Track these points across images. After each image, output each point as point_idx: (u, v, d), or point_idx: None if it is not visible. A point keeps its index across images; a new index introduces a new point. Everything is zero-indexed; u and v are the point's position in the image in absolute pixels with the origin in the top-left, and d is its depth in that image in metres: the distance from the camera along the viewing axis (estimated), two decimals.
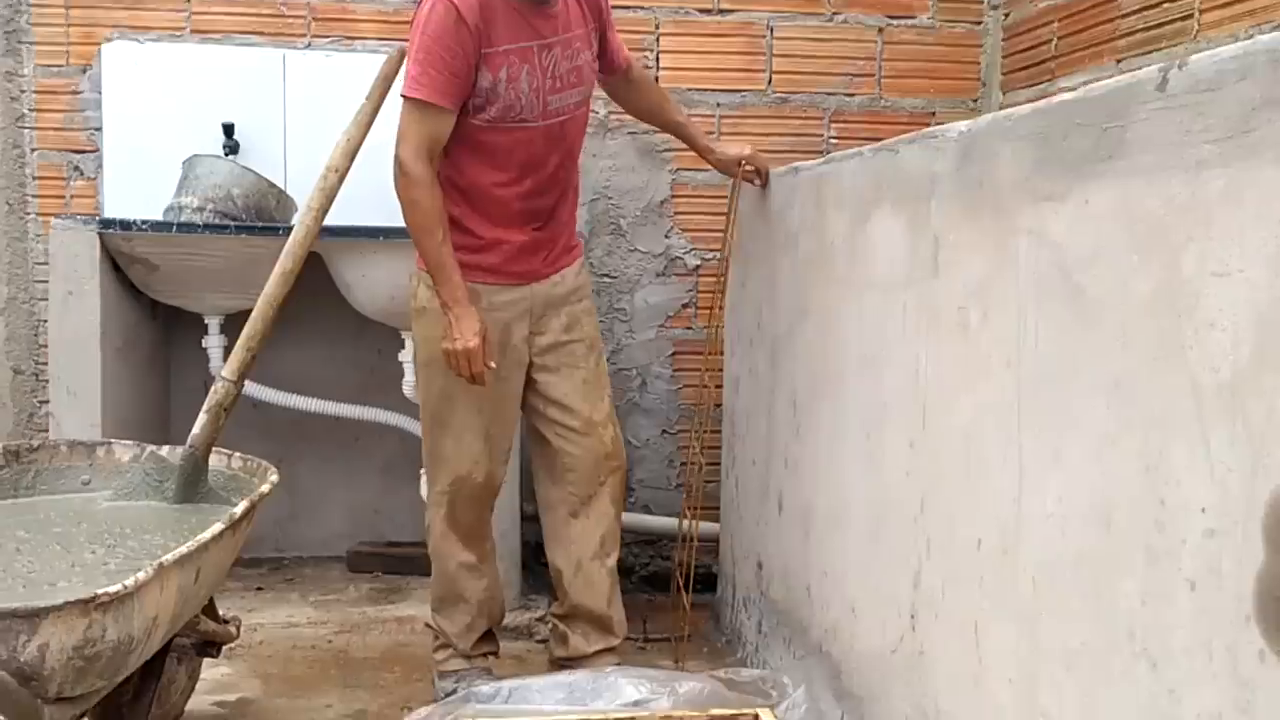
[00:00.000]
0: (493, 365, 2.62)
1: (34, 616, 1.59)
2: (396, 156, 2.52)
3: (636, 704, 2.67)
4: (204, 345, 3.46)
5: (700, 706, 2.61)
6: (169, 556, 1.77)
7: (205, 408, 2.29)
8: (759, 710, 2.56)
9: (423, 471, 3.59)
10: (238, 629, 2.58)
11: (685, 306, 3.86)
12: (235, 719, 2.69)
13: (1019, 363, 1.74)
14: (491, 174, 2.63)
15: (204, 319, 3.45)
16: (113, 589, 1.63)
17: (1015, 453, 1.74)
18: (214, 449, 2.37)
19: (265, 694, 2.84)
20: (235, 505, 2.05)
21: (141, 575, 1.69)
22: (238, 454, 2.45)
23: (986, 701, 1.82)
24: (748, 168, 3.00)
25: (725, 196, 3.19)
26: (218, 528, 1.93)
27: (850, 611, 2.44)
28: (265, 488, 2.17)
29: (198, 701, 2.72)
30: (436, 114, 2.50)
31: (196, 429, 2.29)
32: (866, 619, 2.35)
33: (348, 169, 2.32)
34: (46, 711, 1.67)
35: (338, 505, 3.91)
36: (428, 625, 2.93)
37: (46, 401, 3.47)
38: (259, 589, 3.58)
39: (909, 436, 2.13)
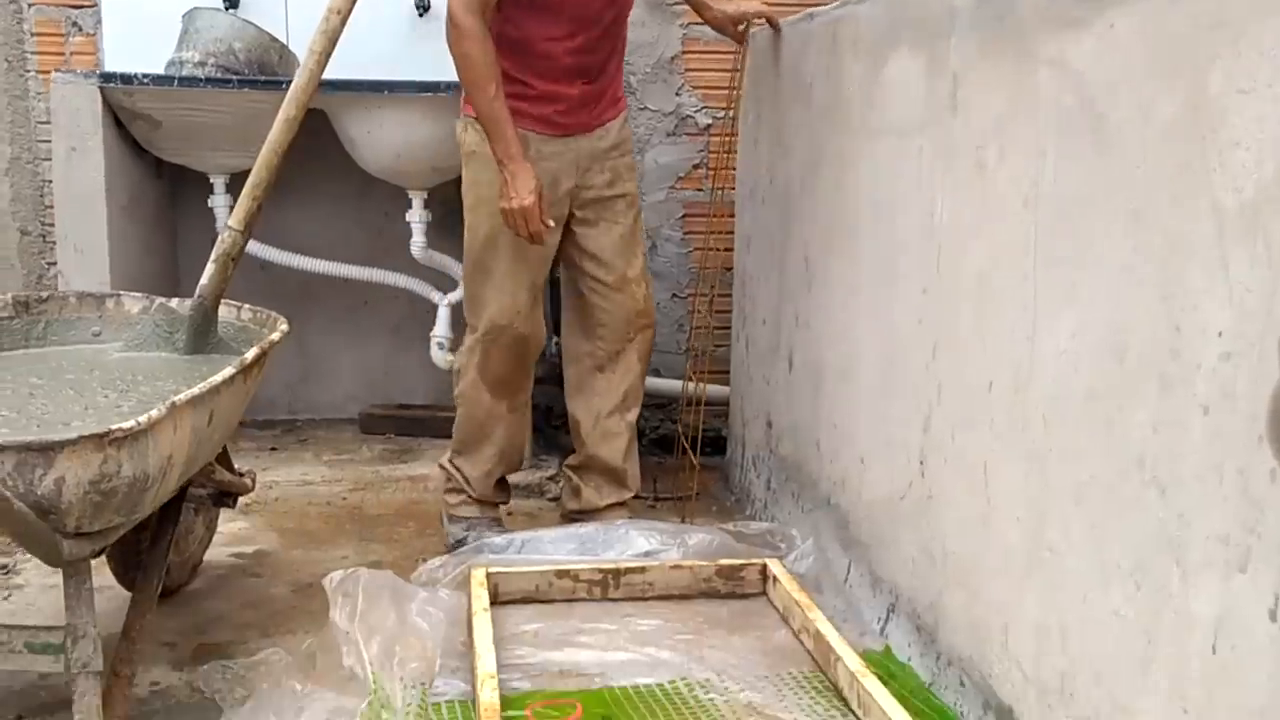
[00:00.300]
0: (550, 224, 2.61)
1: (49, 450, 1.60)
2: (449, 9, 2.47)
3: (647, 554, 2.71)
4: (210, 205, 3.43)
5: (709, 557, 2.65)
6: (182, 396, 1.77)
7: (213, 257, 2.27)
8: (767, 561, 2.60)
9: (433, 334, 3.60)
10: (253, 481, 2.61)
11: (696, 167, 3.80)
12: (253, 569, 2.74)
13: (1036, 200, 1.71)
14: (545, 29, 2.58)
15: (209, 178, 3.41)
16: (127, 425, 1.64)
17: (1030, 292, 1.72)
18: (223, 301, 2.36)
19: (282, 546, 2.89)
20: (246, 354, 2.05)
21: (155, 413, 1.70)
22: (247, 305, 2.44)
23: (994, 540, 1.84)
24: (746, 26, 2.94)
25: (738, 53, 3.11)
26: (229, 371, 1.93)
27: (859, 462, 2.45)
28: (275, 335, 2.17)
29: (216, 553, 2.77)
30: None
31: (205, 279, 2.28)
32: (875, 468, 2.37)
33: (350, 9, 2.25)
34: (65, 545, 1.69)
35: (348, 368, 3.92)
36: (442, 466, 2.95)
37: (54, 263, 3.46)
38: (273, 449, 3.62)
39: (922, 283, 2.11)
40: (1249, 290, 1.25)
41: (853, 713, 2.02)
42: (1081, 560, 1.58)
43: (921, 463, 2.13)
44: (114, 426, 1.63)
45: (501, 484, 2.96)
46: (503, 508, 3.01)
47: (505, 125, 2.52)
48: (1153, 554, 1.41)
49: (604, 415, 2.90)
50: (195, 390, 1.81)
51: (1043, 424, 1.69)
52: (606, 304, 2.83)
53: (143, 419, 1.66)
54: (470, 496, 2.90)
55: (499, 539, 2.70)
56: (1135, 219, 1.46)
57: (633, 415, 2.95)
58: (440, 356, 3.61)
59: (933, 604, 2.08)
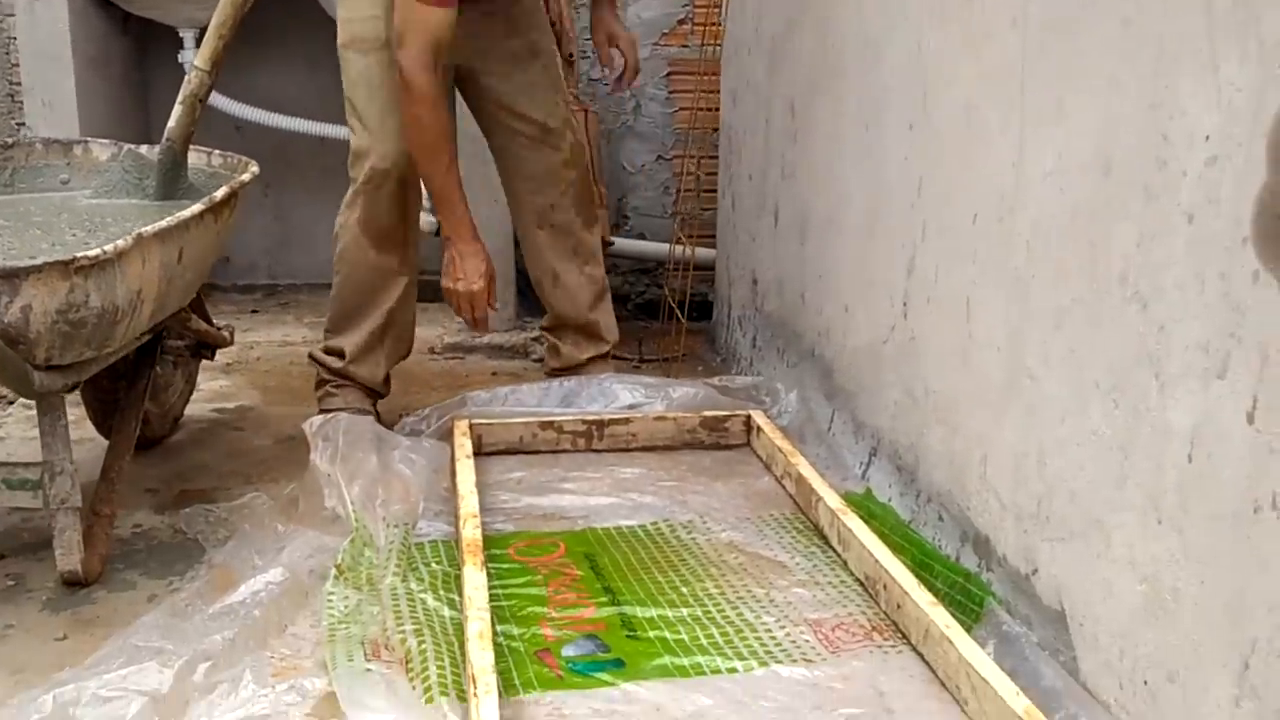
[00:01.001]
0: (497, 307, 2.49)
1: (14, 277, 1.57)
2: (399, 65, 2.29)
3: (631, 407, 2.71)
4: (180, 61, 3.34)
5: (693, 409, 2.65)
6: (149, 228, 1.74)
7: (179, 99, 2.21)
8: (751, 412, 2.60)
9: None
10: (231, 335, 2.59)
11: (681, 22, 3.70)
12: (235, 423, 2.73)
13: (1025, 19, 1.65)
14: None
15: (179, 33, 3.31)
16: (92, 252, 1.61)
17: (1017, 116, 1.68)
18: (193, 147, 2.31)
19: (264, 402, 2.89)
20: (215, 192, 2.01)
21: (121, 243, 1.66)
22: (217, 151, 2.39)
23: (974, 374, 1.83)
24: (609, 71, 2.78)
25: None
26: (198, 207, 1.90)
27: (843, 311, 2.44)
28: (246, 176, 2.13)
29: (197, 408, 2.76)
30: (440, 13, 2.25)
31: (172, 122, 2.22)
32: (859, 315, 2.35)
33: None
34: (36, 376, 1.68)
35: (327, 232, 3.85)
36: (311, 356, 2.69)
37: (23, 124, 3.38)
38: (254, 312, 3.59)
39: (909, 119, 2.06)
40: (1238, 90, 1.21)
41: (832, 549, 2.03)
42: (1060, 384, 1.57)
43: (905, 304, 2.11)
44: (79, 254, 1.60)
45: (385, 380, 2.71)
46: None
47: (457, 201, 2.41)
48: (1131, 370, 1.40)
49: (560, 271, 2.81)
50: (163, 223, 1.78)
51: (1026, 251, 1.66)
52: (530, 155, 2.67)
53: (108, 248, 1.63)
54: (351, 382, 2.62)
55: (483, 393, 2.69)
56: (1125, 27, 1.41)
57: (592, 268, 2.85)
58: (425, 220, 3.56)
59: (913, 444, 2.08)
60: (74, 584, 1.85)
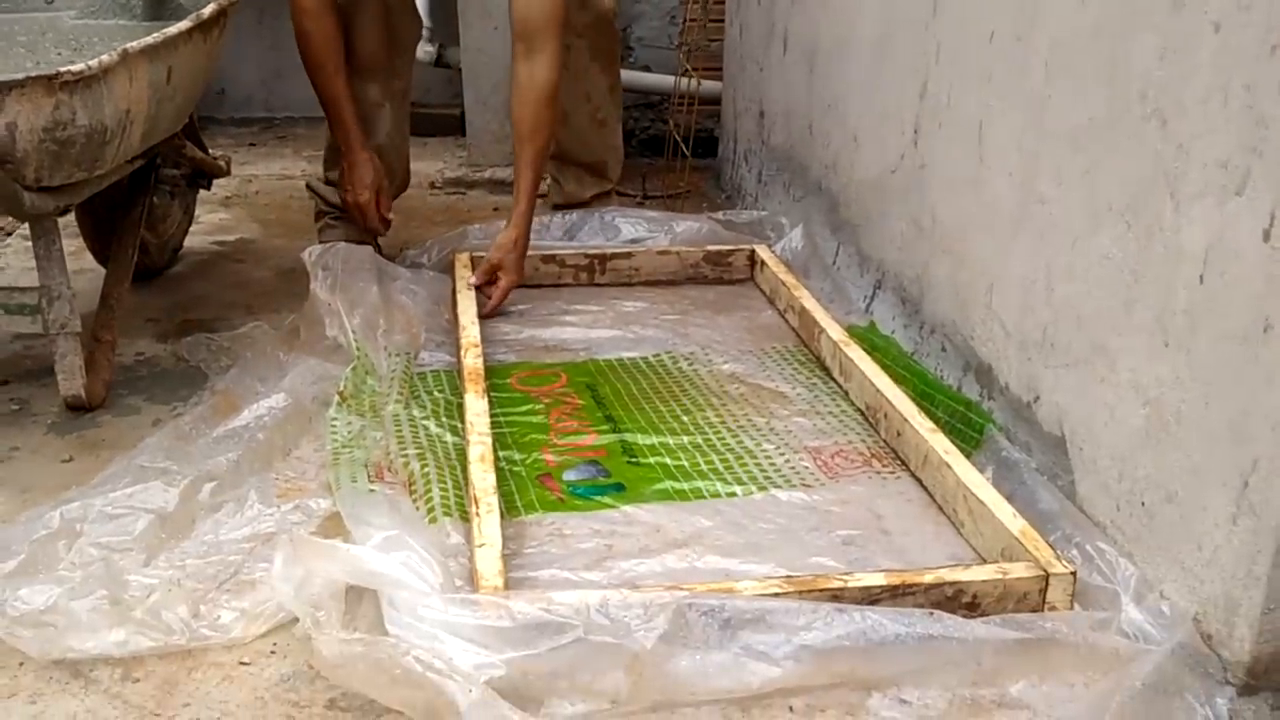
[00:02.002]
0: (391, 217, 2.49)
1: None
2: None
3: (633, 241, 2.68)
4: None
5: (697, 244, 2.62)
6: (135, 44, 1.68)
7: None
8: (755, 246, 2.57)
9: None
10: (227, 165, 2.55)
11: None
12: (236, 255, 2.71)
13: None
14: None
15: None
16: (76, 68, 1.56)
17: None
18: None
19: (264, 235, 2.85)
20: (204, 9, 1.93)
21: (106, 58, 1.61)
22: None
23: (985, 200, 1.79)
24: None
25: None
26: (185, 24, 1.83)
27: (852, 141, 2.38)
28: None
29: (197, 241, 2.73)
30: None
31: None
32: (868, 145, 2.29)
33: None
34: (26, 197, 1.64)
35: None
36: (309, 188, 2.65)
37: None
38: (252, 145, 3.53)
39: None
40: None
41: (834, 380, 2.03)
42: (1072, 207, 1.53)
43: (915, 132, 2.05)
44: (63, 69, 1.54)
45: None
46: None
47: (344, 110, 2.35)
48: (1147, 190, 1.36)
49: (568, 111, 2.69)
50: (149, 40, 1.71)
51: (1044, 70, 1.60)
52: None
53: (93, 63, 1.58)
54: (349, 215, 2.52)
55: (484, 227, 2.65)
56: None
57: (594, 106, 2.78)
58: (424, 50, 3.46)
59: (918, 276, 2.06)
60: (78, 408, 1.86)
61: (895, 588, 1.32)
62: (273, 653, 1.31)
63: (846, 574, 1.34)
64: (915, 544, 1.54)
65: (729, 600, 1.24)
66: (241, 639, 1.32)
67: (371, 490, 1.56)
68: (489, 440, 1.66)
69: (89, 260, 2.43)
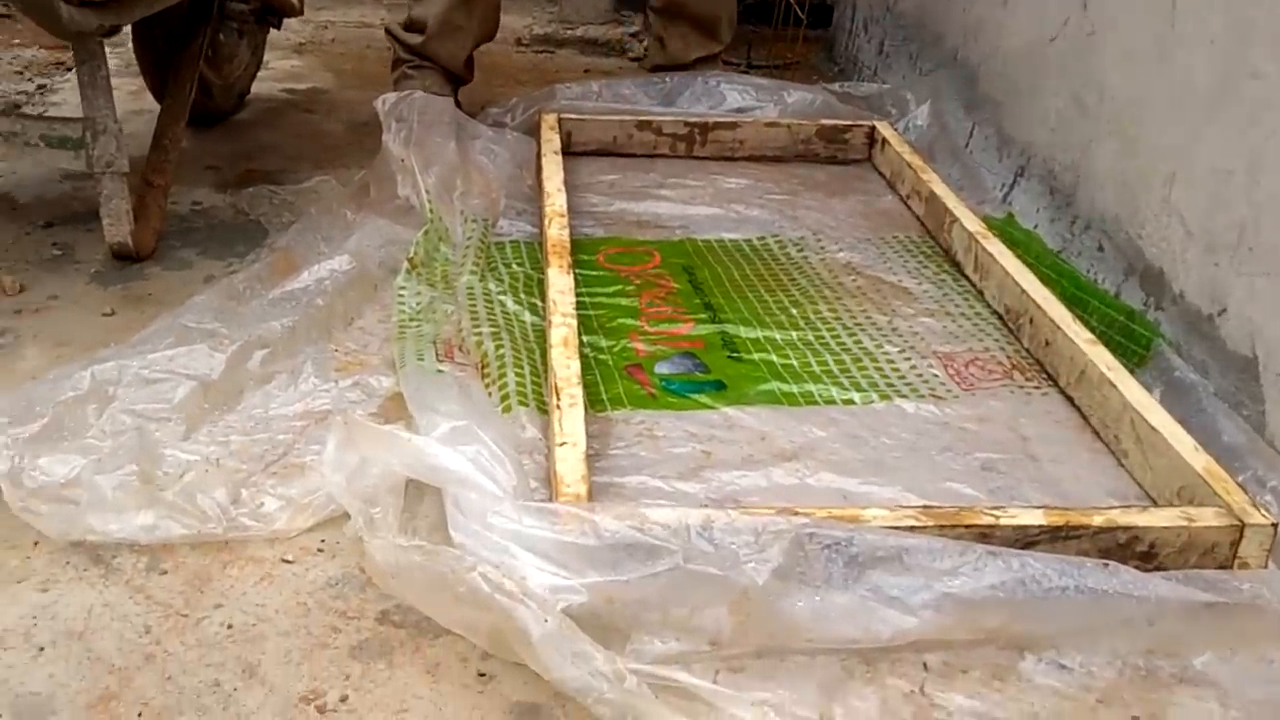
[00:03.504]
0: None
1: None
2: None
3: (739, 111, 2.42)
4: None
5: (809, 117, 2.35)
6: None
7: None
8: (875, 123, 2.29)
9: None
10: (300, 3, 2.32)
11: None
12: (307, 105, 2.50)
13: None
14: None
15: None
16: None
17: None
18: None
19: (337, 86, 2.64)
20: None
21: None
22: None
23: (1172, 74, 1.51)
24: None
25: None
26: None
27: (1000, 5, 2.08)
28: None
29: (266, 87, 2.53)
30: None
31: None
32: (1022, 9, 1.99)
33: None
34: (65, 10, 1.44)
35: None
36: (388, 32, 2.41)
37: None
38: None
39: None
40: None
41: (967, 278, 1.78)
42: None
43: None
44: None
45: (467, 62, 2.43)
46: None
47: None
48: None
49: None
50: None
51: None
52: None
53: None
54: (430, 63, 2.35)
55: (574, 87, 2.41)
56: None
57: None
58: None
59: (1074, 162, 1.79)
60: (124, 257, 1.69)
61: (1056, 529, 1.10)
62: (320, 551, 1.13)
63: (997, 508, 1.12)
64: (1068, 474, 1.31)
65: (857, 533, 1.03)
66: (286, 532, 1.14)
67: (440, 371, 1.36)
68: (573, 322, 1.45)
69: (149, 100, 2.24)
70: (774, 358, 1.53)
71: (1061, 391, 1.48)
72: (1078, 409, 1.44)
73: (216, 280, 1.65)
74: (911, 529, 1.08)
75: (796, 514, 1.09)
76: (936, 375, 1.51)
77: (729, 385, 1.46)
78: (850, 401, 1.44)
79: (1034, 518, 1.11)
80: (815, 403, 1.43)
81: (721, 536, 1.02)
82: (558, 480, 1.13)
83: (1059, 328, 1.49)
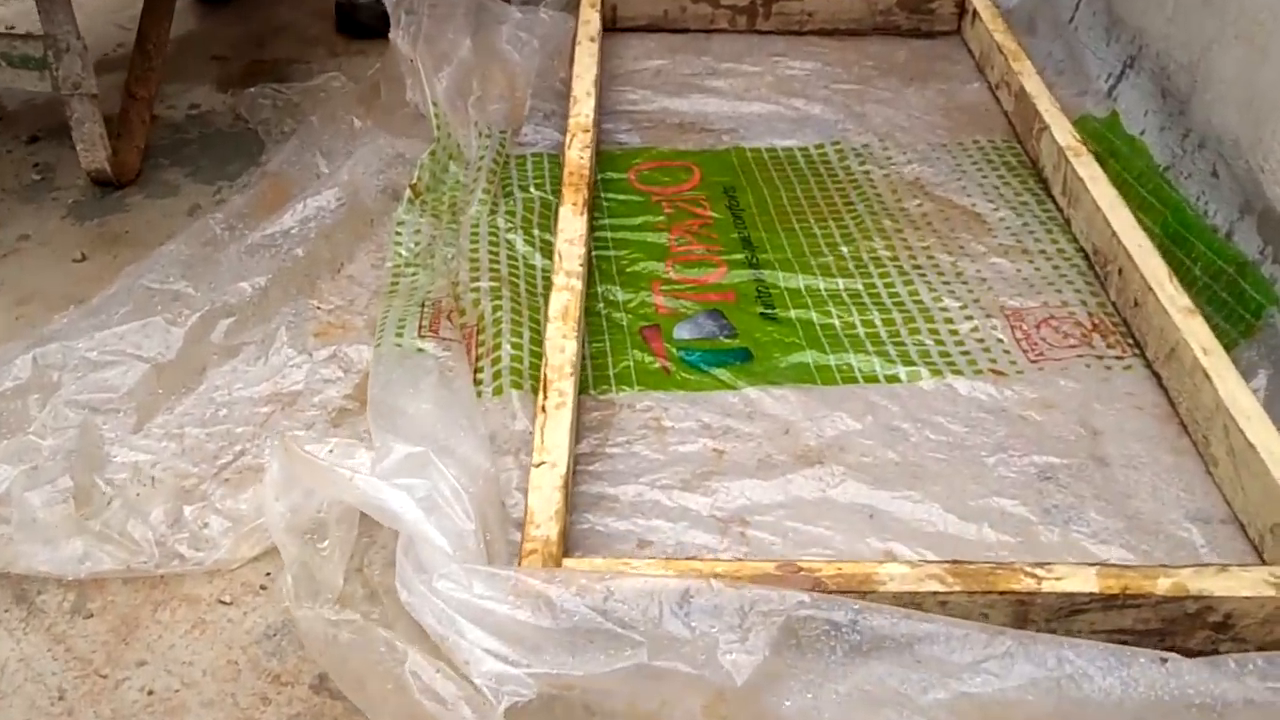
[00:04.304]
0: None
1: None
2: None
3: None
4: None
5: None
6: None
7: None
8: None
9: None
10: None
11: None
12: None
13: None
14: None
15: None
16: None
17: None
18: None
19: None
20: None
21: None
22: None
23: None
24: None
25: None
26: None
27: None
28: None
29: None
30: None
31: None
32: None
33: None
34: None
35: None
36: None
37: None
38: None
39: None
40: None
41: (1052, 200, 1.53)
42: None
43: None
44: None
45: None
46: None
47: None
48: None
49: None
50: None
51: None
52: None
53: None
54: None
55: None
56: None
57: None
58: None
59: (1193, 62, 1.50)
60: (104, 184, 1.54)
61: (1110, 598, 0.92)
62: (262, 589, 1.01)
63: (1040, 567, 0.94)
64: (1144, 485, 1.11)
65: (862, 614, 0.86)
66: (228, 563, 1.03)
67: (420, 350, 1.20)
68: (579, 285, 1.27)
69: None
70: (813, 315, 1.33)
71: (1148, 365, 1.26)
72: (1165, 391, 1.22)
73: (202, 212, 1.51)
74: (935, 594, 0.91)
75: (799, 570, 0.92)
76: (1001, 341, 1.30)
77: (756, 354, 1.28)
78: (894, 378, 1.24)
79: (1083, 581, 0.92)
80: (854, 379, 1.24)
81: (699, 618, 0.86)
82: (527, 516, 0.98)
83: (1152, 289, 1.26)
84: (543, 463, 1.03)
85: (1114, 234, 1.35)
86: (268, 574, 1.02)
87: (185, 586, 1.00)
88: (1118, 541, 1.05)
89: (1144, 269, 1.29)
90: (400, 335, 1.22)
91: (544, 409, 1.09)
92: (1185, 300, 1.24)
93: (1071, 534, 1.06)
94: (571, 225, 1.36)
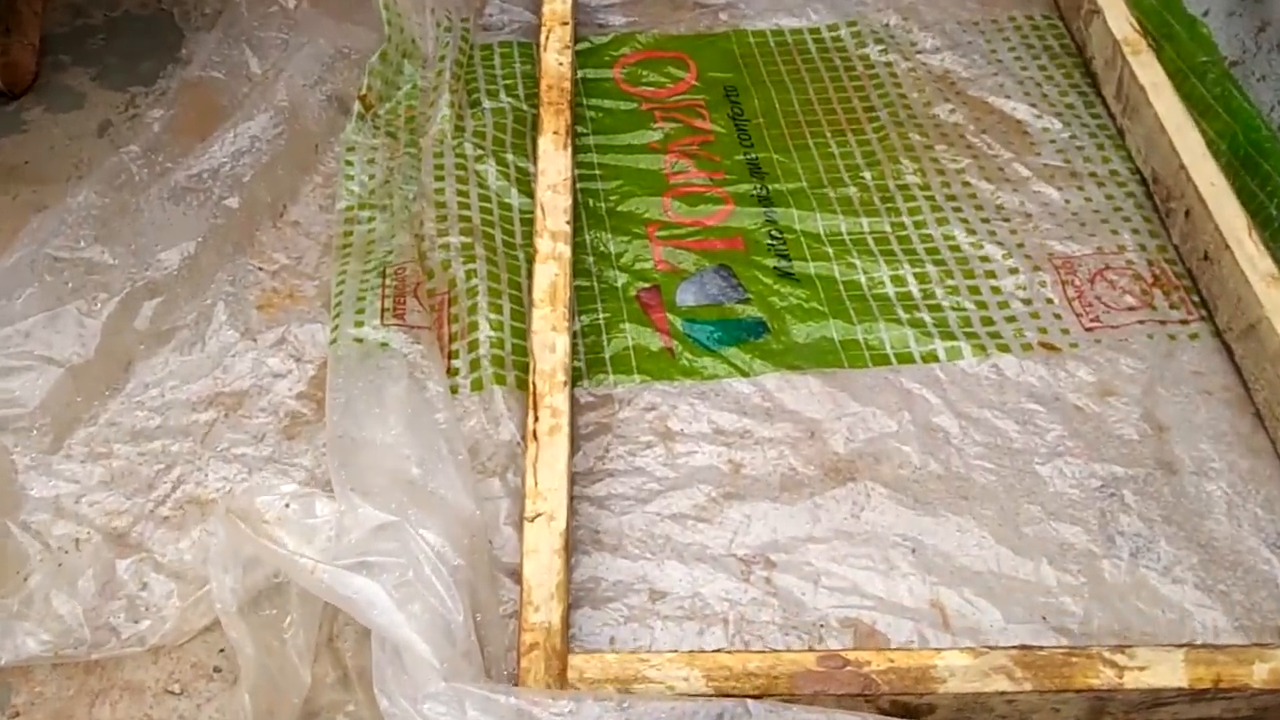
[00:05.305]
0: None
1: None
2: None
3: None
4: None
5: None
6: None
7: None
8: None
9: None
10: None
11: None
12: None
13: None
14: None
15: None
16: None
17: None
18: None
19: None
20: None
21: None
22: None
23: None
24: None
25: None
26: None
27: None
28: None
29: None
30: None
31: None
32: None
33: None
34: None
35: None
36: None
37: None
38: None
39: None
40: None
41: (1103, 102, 1.33)
42: None
43: None
44: None
45: None
46: None
47: None
48: None
49: None
50: None
51: None
52: None
53: None
54: None
55: None
56: None
57: None
58: None
59: None
60: None
61: (1200, 693, 0.80)
62: (217, 672, 0.87)
63: (1121, 651, 0.81)
64: (1217, 500, 0.98)
65: None
66: (175, 638, 0.88)
67: (383, 345, 1.02)
68: (567, 249, 1.08)
69: None
70: (835, 270, 1.16)
71: (1217, 332, 1.10)
72: (1237, 367, 1.07)
73: (113, 131, 1.28)
74: (1001, 694, 0.79)
75: (844, 664, 0.80)
76: (1051, 302, 1.13)
77: (773, 325, 1.11)
78: (932, 356, 1.08)
79: (1170, 672, 0.80)
80: (885, 361, 1.08)
81: None
82: (524, 593, 0.84)
83: (1228, 245, 1.09)
84: (538, 515, 0.88)
85: (1181, 166, 1.17)
86: (221, 651, 0.88)
87: (126, 671, 0.86)
88: (1191, 579, 0.93)
89: (1218, 217, 1.11)
90: (360, 323, 1.04)
91: (534, 434, 0.93)
92: (1269, 264, 1.07)
93: (1140, 569, 0.93)
94: (554, 164, 1.15)
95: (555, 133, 1.18)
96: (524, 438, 0.96)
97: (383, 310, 1.05)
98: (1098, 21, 1.35)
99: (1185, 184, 1.16)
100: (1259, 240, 1.09)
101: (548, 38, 1.30)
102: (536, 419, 0.94)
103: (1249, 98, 1.29)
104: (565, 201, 1.12)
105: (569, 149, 1.17)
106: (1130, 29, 1.32)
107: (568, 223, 1.10)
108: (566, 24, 1.32)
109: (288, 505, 0.86)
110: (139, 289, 1.06)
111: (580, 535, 0.94)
